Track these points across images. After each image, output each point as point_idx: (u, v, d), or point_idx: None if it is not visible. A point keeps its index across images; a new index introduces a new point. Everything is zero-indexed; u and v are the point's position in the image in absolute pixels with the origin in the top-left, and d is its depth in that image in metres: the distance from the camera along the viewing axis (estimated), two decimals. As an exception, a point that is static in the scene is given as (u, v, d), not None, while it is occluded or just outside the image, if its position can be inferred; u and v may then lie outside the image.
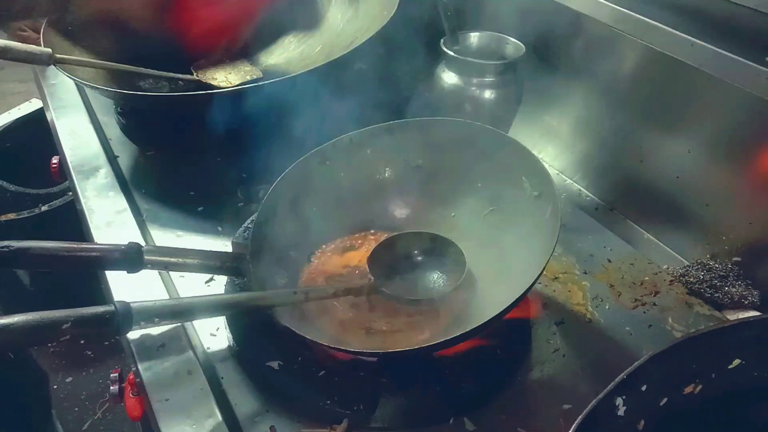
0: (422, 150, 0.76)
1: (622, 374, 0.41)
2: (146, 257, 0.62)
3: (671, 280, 0.77)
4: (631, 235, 0.86)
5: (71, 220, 0.92)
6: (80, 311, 0.52)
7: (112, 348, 1.67)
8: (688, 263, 0.80)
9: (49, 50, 0.87)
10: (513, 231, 0.68)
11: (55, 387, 1.62)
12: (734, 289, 0.74)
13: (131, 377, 0.72)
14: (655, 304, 0.74)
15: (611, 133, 0.89)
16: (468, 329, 0.53)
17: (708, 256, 0.79)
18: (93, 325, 0.53)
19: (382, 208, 0.76)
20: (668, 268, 0.79)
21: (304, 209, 0.72)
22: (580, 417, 0.39)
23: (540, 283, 0.76)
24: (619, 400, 0.41)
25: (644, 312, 0.72)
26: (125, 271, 0.63)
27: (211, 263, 0.65)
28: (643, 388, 0.43)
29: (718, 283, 0.75)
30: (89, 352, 1.72)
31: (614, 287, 0.76)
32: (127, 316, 0.55)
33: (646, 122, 0.84)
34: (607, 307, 0.73)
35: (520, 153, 0.69)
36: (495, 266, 0.68)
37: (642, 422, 0.43)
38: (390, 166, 0.77)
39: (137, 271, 0.62)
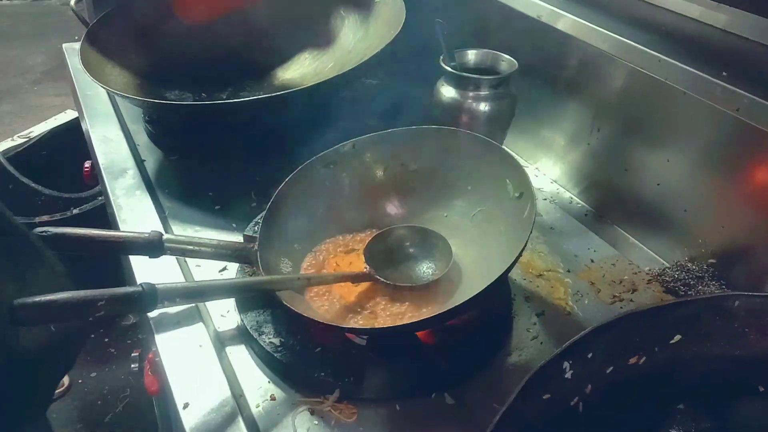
0: (418, 156, 0.83)
1: (569, 341, 0.47)
2: (166, 244, 0.70)
3: (649, 280, 0.83)
4: (615, 238, 0.92)
5: (100, 223, 1.00)
6: (113, 291, 0.59)
7: (134, 346, 1.75)
8: (668, 265, 0.86)
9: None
10: (496, 228, 0.75)
11: (80, 381, 1.71)
12: (708, 289, 0.80)
13: (150, 356, 0.80)
14: (632, 300, 0.79)
15: (599, 144, 0.95)
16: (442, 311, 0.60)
17: (686, 258, 0.85)
18: (124, 302, 0.61)
19: (380, 208, 0.83)
20: (648, 269, 0.85)
21: (308, 207, 0.80)
22: (528, 375, 0.45)
23: (525, 279, 0.82)
24: (566, 364, 0.47)
25: (621, 307, 0.78)
26: (148, 256, 0.71)
27: (224, 251, 0.73)
28: (589, 355, 0.49)
29: (693, 283, 0.81)
30: (113, 350, 1.81)
31: (594, 285, 0.82)
32: (153, 295, 0.62)
33: (629, 135, 0.90)
34: (586, 302, 0.79)
35: (504, 158, 0.76)
36: (479, 259, 0.74)
37: (589, 386, 0.49)
38: (388, 170, 0.84)
39: (158, 256, 0.70)
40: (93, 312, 0.55)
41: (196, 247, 0.72)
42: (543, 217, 0.95)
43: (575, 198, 1.00)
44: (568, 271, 0.84)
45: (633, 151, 0.90)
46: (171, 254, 0.71)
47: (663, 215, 0.87)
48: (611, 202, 0.95)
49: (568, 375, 0.48)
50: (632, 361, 0.51)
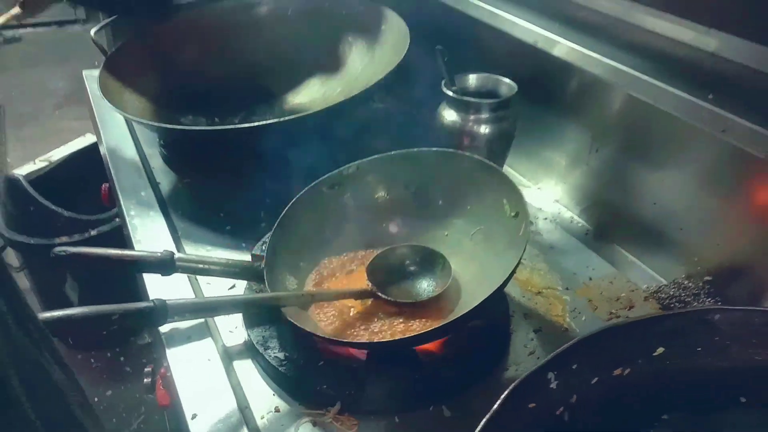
0: (419, 177, 0.86)
1: (554, 353, 0.50)
2: (178, 263, 0.74)
3: (646, 297, 0.85)
4: (614, 257, 0.94)
5: (117, 244, 1.04)
6: (126, 306, 0.63)
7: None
8: (665, 282, 0.87)
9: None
10: (494, 247, 0.78)
11: (96, 399, 1.74)
12: (702, 306, 0.81)
13: (162, 371, 0.83)
14: (628, 317, 0.81)
15: (598, 165, 0.98)
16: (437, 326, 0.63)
17: (683, 275, 0.86)
18: (136, 317, 0.64)
19: (383, 227, 0.86)
20: (646, 287, 0.87)
21: (313, 227, 0.83)
22: (513, 384, 0.48)
23: (524, 296, 0.85)
24: (551, 375, 0.50)
25: (617, 323, 0.80)
26: (160, 274, 0.74)
27: (232, 269, 0.76)
28: (574, 366, 0.51)
29: (689, 300, 0.83)
30: (128, 369, 1.85)
31: (592, 302, 0.84)
32: (163, 310, 0.66)
33: (626, 155, 0.92)
34: (583, 318, 0.81)
35: (502, 179, 0.79)
36: (479, 277, 0.77)
37: (575, 397, 0.52)
38: (390, 191, 0.87)
39: (170, 274, 0.74)
40: (108, 325, 0.59)
41: (206, 266, 0.75)
42: (543, 236, 0.97)
43: (576, 217, 1.02)
44: (567, 288, 0.86)
45: (630, 171, 0.92)
46: (182, 272, 0.74)
47: (660, 234, 0.89)
48: (610, 221, 0.97)
49: (553, 385, 0.50)
50: (617, 372, 0.53)
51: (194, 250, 0.91)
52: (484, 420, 0.46)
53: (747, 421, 0.52)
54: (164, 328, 0.73)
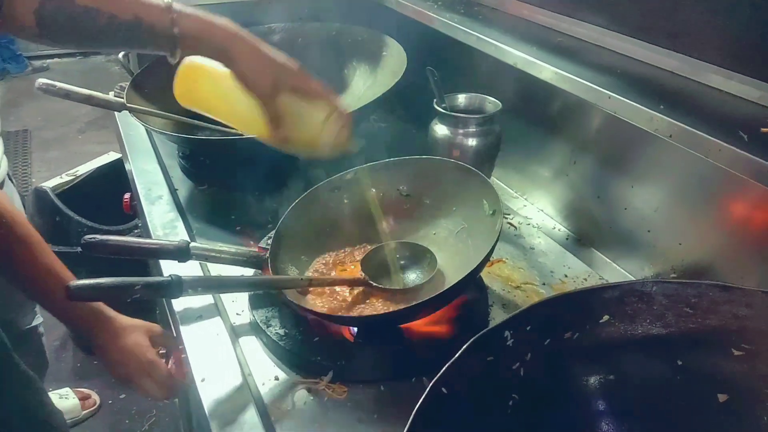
0: (411, 182, 0.96)
1: (510, 314, 0.58)
2: (192, 251, 0.83)
3: (616, 292, 0.92)
4: (592, 259, 1.02)
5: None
6: (148, 279, 0.72)
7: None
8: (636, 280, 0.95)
9: (122, 100, 1.13)
10: (476, 242, 0.87)
11: (110, 402, 1.83)
12: (667, 299, 0.89)
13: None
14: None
15: (576, 175, 1.07)
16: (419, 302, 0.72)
17: (653, 274, 0.95)
18: (156, 288, 0.72)
19: (377, 226, 0.95)
20: (617, 284, 0.95)
21: (314, 225, 0.93)
22: (474, 337, 0.56)
23: (504, 289, 0.93)
24: (507, 333, 0.58)
25: (587, 313, 0.88)
26: (177, 261, 0.84)
27: (240, 258, 0.85)
28: (528, 328, 0.59)
29: (655, 295, 0.90)
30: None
31: (566, 295, 0.92)
32: (179, 284, 0.74)
33: (599, 165, 1.01)
34: (557, 309, 0.89)
35: (481, 182, 0.88)
36: (462, 269, 0.85)
37: (529, 354, 0.60)
38: (385, 194, 0.96)
39: (185, 260, 0.83)
40: (131, 294, 0.68)
41: (217, 254, 0.85)
42: (526, 238, 1.06)
43: (558, 225, 1.11)
44: (544, 284, 0.94)
45: (603, 180, 1.01)
46: (196, 259, 0.84)
47: (631, 236, 0.97)
48: (588, 226, 1.06)
49: (509, 342, 0.59)
50: (567, 335, 0.61)
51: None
52: (446, 366, 0.54)
53: (684, 383, 0.60)
54: (178, 307, 0.83)
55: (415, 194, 0.96)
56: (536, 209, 1.16)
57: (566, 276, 0.96)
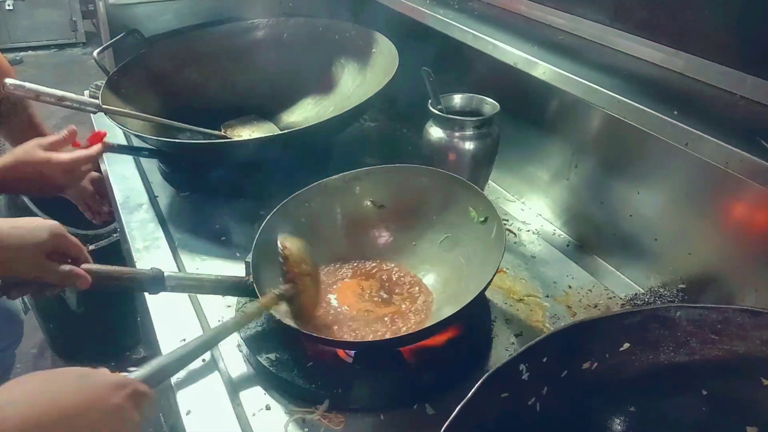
0: (385, 192, 0.91)
1: (525, 346, 0.54)
2: (167, 282, 0.76)
3: (623, 304, 0.89)
4: (595, 267, 0.98)
5: (116, 259, 1.07)
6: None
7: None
8: (642, 290, 0.91)
9: (98, 101, 1.06)
10: (464, 252, 0.82)
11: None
12: (677, 312, 0.85)
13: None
14: (604, 322, 0.85)
15: (577, 179, 1.02)
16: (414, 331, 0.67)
17: (659, 284, 0.90)
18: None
19: (352, 241, 0.90)
20: (624, 295, 0.91)
21: (297, 234, 0.85)
22: (486, 375, 0.51)
23: (506, 303, 0.88)
24: (523, 367, 0.53)
25: (594, 329, 0.84)
26: (147, 293, 0.77)
27: (222, 285, 0.79)
28: (544, 359, 0.55)
29: (663, 307, 0.86)
30: (123, 384, 1.86)
31: (571, 308, 0.88)
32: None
33: (603, 170, 0.97)
34: (562, 324, 0.85)
35: (465, 188, 0.84)
36: (452, 281, 0.81)
37: (545, 388, 0.55)
38: (359, 206, 0.91)
39: (157, 292, 0.76)
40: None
41: (197, 284, 0.79)
42: (526, 246, 1.01)
43: (558, 230, 1.07)
44: (547, 296, 0.90)
45: (607, 184, 0.96)
46: (171, 291, 0.77)
47: (636, 244, 0.93)
48: (590, 233, 1.02)
49: (525, 377, 0.54)
50: (585, 365, 0.57)
51: (191, 260, 0.95)
52: (459, 407, 0.49)
53: (709, 411, 0.56)
54: (160, 328, 0.77)
55: (391, 204, 0.91)
56: (534, 213, 1.11)
57: (570, 287, 0.92)
